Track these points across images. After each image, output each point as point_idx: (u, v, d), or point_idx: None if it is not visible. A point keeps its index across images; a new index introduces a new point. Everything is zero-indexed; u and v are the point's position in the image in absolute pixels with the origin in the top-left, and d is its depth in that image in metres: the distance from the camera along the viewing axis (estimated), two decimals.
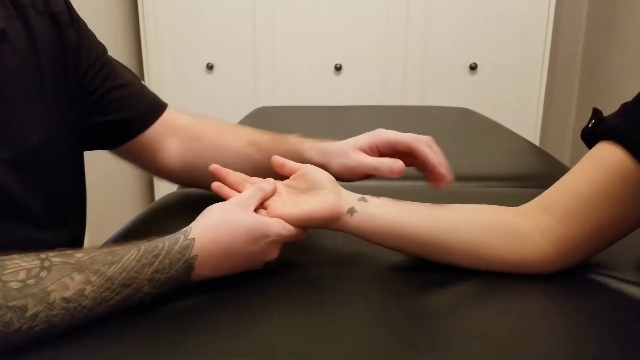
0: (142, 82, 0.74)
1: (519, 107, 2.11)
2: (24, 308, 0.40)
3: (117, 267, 0.44)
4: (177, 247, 0.47)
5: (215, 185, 0.59)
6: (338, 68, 2.10)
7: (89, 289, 0.42)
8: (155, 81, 2.11)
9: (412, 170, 0.98)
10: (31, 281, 0.40)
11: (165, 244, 0.47)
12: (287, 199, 0.55)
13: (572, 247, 0.53)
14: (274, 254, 0.52)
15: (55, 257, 0.43)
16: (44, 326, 0.40)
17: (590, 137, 0.55)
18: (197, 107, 2.11)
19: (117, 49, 2.05)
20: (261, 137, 0.71)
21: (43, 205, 0.59)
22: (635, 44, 2.03)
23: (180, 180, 0.78)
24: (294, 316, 0.47)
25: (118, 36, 2.07)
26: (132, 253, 0.45)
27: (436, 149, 0.63)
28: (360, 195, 0.55)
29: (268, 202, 0.55)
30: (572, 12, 2.40)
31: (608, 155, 0.52)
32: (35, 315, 0.40)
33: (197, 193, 0.82)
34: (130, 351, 0.41)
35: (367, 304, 0.49)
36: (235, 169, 0.67)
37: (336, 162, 0.64)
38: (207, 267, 0.48)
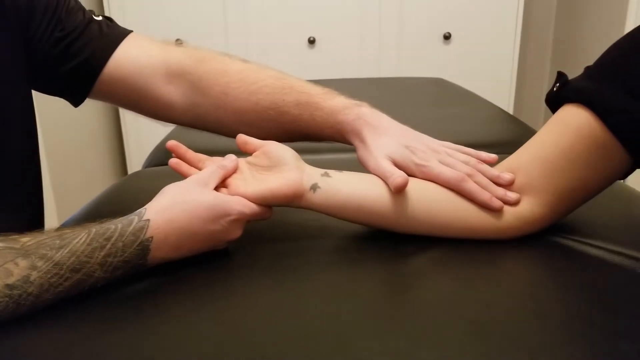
0: (99, 18, 0.67)
1: (493, 75, 2.12)
2: None
3: (66, 251, 0.41)
4: (130, 228, 0.44)
5: (173, 162, 0.57)
6: (312, 41, 2.06)
7: (34, 274, 0.40)
8: None
9: None
10: None
11: (118, 226, 0.44)
12: (249, 176, 0.54)
13: (535, 213, 0.53)
14: (236, 233, 0.50)
15: None
16: None
17: (555, 101, 0.54)
18: None
19: None
20: (287, 98, 0.63)
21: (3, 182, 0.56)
22: (607, 9, 2.03)
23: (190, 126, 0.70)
24: (258, 293, 0.46)
25: None
26: (82, 236, 0.43)
27: (480, 178, 0.54)
28: (323, 171, 0.54)
29: (229, 180, 0.53)
30: None
31: (574, 118, 0.51)
32: None
33: (164, 171, 0.80)
34: (81, 337, 0.40)
35: (332, 276, 0.49)
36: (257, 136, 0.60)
37: (360, 156, 0.59)
38: (164, 249, 0.46)
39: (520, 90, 2.39)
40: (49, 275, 0.40)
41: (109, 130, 2.17)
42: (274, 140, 0.56)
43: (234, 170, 0.53)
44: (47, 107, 1.58)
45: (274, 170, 0.53)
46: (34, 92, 0.65)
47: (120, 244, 0.44)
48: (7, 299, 0.39)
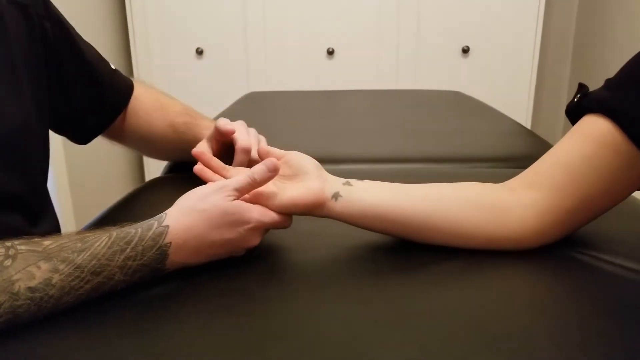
0: (112, 67, 0.76)
1: (511, 89, 2.11)
2: None
3: (87, 254, 0.42)
4: (150, 233, 0.45)
5: (198, 168, 0.58)
6: (330, 52, 2.08)
7: (56, 277, 0.40)
8: (143, 67, 2.09)
9: (403, 153, 0.98)
10: None
11: (138, 230, 0.45)
12: (271, 185, 0.54)
13: (556, 220, 0.52)
14: (254, 241, 0.51)
15: (20, 245, 0.41)
16: (8, 317, 0.39)
17: (575, 112, 0.55)
18: (187, 93, 2.09)
19: (103, 36, 2.02)
20: (179, 119, 0.74)
21: (29, 195, 0.58)
22: (626, 25, 2.02)
23: (126, 145, 0.81)
24: (273, 300, 0.46)
25: (104, 22, 2.04)
26: (102, 240, 0.43)
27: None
28: (345, 180, 0.55)
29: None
30: None
31: (595, 127, 0.51)
32: None
33: (183, 178, 0.82)
34: (96, 340, 0.41)
35: (346, 285, 0.49)
36: (160, 148, 0.75)
37: None
38: (182, 254, 0.47)
39: (538, 104, 2.37)
40: (70, 278, 0.41)
41: None
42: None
43: (265, 182, 0.51)
44: None
45: (295, 179, 0.54)
46: None
47: (140, 248, 0.44)
48: (29, 301, 0.39)
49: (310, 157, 0.56)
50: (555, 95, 2.49)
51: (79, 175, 1.75)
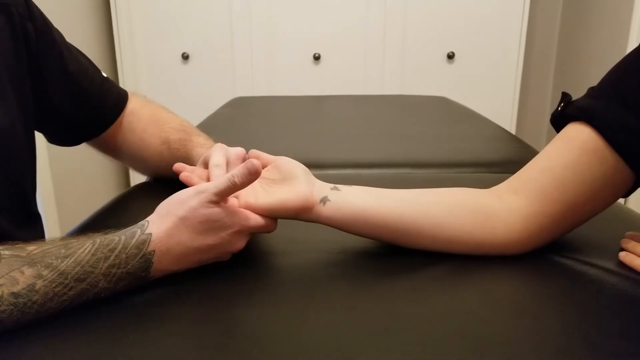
0: (103, 75, 0.75)
1: (496, 95, 2.13)
2: None
3: (71, 261, 0.42)
4: (133, 241, 0.45)
5: (184, 175, 0.57)
6: (317, 58, 2.09)
7: (40, 283, 0.40)
8: (129, 72, 2.08)
9: (389, 158, 0.99)
10: None
11: (122, 238, 0.45)
12: (259, 189, 0.54)
13: (542, 226, 0.53)
14: (239, 245, 0.50)
15: (4, 250, 0.41)
16: None
17: (559, 120, 0.55)
18: (173, 98, 2.08)
19: (87, 40, 2.00)
20: (174, 136, 0.72)
21: (15, 199, 0.57)
22: (609, 31, 2.05)
23: (129, 165, 0.81)
24: (259, 306, 0.46)
25: (88, 26, 2.02)
26: (86, 246, 0.43)
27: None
28: (333, 185, 0.55)
29: (240, 191, 0.54)
30: (548, 2, 2.42)
31: (579, 134, 0.52)
32: None
33: (168, 183, 0.81)
34: (81, 346, 0.40)
35: (333, 290, 0.49)
36: (152, 164, 0.73)
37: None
38: (166, 261, 0.46)
39: (522, 110, 2.40)
40: (54, 285, 0.41)
41: None
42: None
43: (246, 184, 0.49)
44: None
45: (284, 184, 0.54)
46: None
47: (124, 255, 0.44)
48: (12, 307, 0.39)
49: (299, 163, 0.56)
50: (540, 101, 2.53)
51: (64, 180, 1.73)
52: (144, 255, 0.45)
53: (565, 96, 0.56)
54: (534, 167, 0.55)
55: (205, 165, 0.61)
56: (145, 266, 0.45)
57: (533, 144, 1.18)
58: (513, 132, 2.14)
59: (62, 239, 0.44)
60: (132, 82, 2.08)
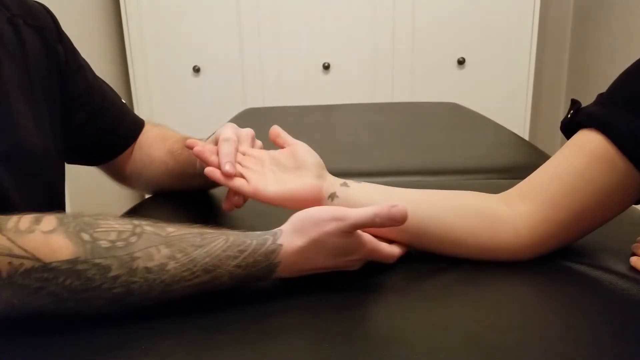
0: (122, 101, 0.77)
1: (508, 100, 2.12)
2: (107, 268, 0.41)
3: (203, 251, 0.44)
4: (263, 249, 0.46)
5: (197, 150, 0.58)
6: (326, 67, 2.09)
7: (171, 264, 0.42)
8: (141, 85, 2.10)
9: (400, 166, 0.98)
10: (120, 243, 0.41)
11: (253, 242, 0.46)
12: (269, 173, 0.54)
13: (551, 232, 0.52)
14: (356, 267, 0.51)
15: (147, 226, 0.44)
16: (121, 289, 0.41)
17: (569, 127, 0.55)
18: (185, 111, 2.10)
19: (100, 54, 2.03)
20: (177, 145, 0.73)
21: (36, 205, 0.59)
22: (622, 33, 2.03)
23: (135, 188, 0.81)
24: (268, 314, 0.46)
25: (101, 40, 2.05)
26: (220, 241, 0.45)
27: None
28: (342, 180, 0.55)
29: (249, 174, 0.54)
30: (559, 6, 2.41)
31: (589, 142, 0.51)
32: (116, 277, 0.41)
33: (181, 195, 0.82)
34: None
35: (339, 298, 0.48)
36: (156, 177, 0.73)
37: None
38: (287, 272, 0.48)
39: (535, 115, 2.38)
40: (183, 269, 0.43)
41: None
42: None
43: (385, 227, 0.49)
44: None
45: (295, 173, 0.54)
46: None
47: (251, 259, 0.45)
48: (142, 280, 0.42)
49: (315, 154, 0.56)
50: (553, 105, 2.50)
51: (78, 191, 1.74)
52: (270, 264, 0.46)
53: (574, 103, 0.55)
54: (542, 174, 0.55)
55: (216, 142, 0.61)
56: (268, 273, 0.47)
57: (547, 149, 1.17)
58: (526, 137, 2.12)
59: (198, 226, 0.46)
60: (145, 95, 2.11)
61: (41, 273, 0.39)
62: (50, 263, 0.40)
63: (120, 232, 0.42)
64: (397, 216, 0.46)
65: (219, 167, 0.56)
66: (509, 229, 0.52)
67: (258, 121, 1.48)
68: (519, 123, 2.12)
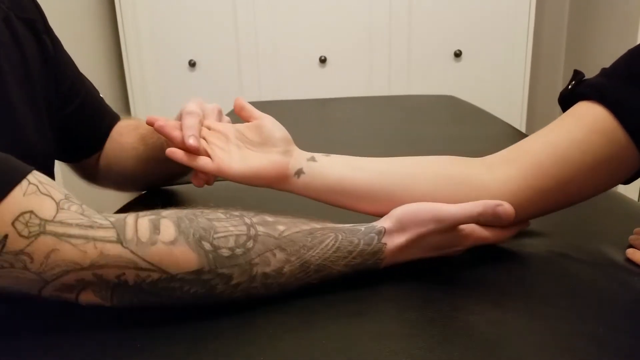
0: (101, 96, 0.75)
1: (505, 92, 2.12)
2: (229, 276, 0.42)
3: (315, 252, 0.45)
4: (369, 249, 0.47)
5: (158, 125, 0.55)
6: (323, 60, 2.09)
7: (287, 267, 0.44)
8: (136, 80, 2.09)
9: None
10: (239, 250, 0.42)
11: (360, 242, 0.47)
12: (234, 149, 0.53)
13: (531, 200, 0.50)
14: (463, 251, 0.52)
15: (259, 226, 0.44)
16: (241, 294, 0.43)
17: (569, 99, 0.53)
18: (180, 105, 2.09)
19: (94, 49, 2.02)
20: (149, 131, 0.70)
21: None
22: (617, 27, 2.03)
23: (106, 184, 0.79)
24: (264, 311, 0.46)
25: (95, 36, 2.04)
26: (329, 241, 0.46)
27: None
28: (310, 155, 0.53)
29: (214, 150, 0.53)
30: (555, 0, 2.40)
31: (589, 113, 0.50)
32: (237, 284, 0.42)
33: (175, 191, 0.81)
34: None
35: (337, 295, 0.48)
36: (127, 167, 0.71)
37: None
38: (391, 263, 0.49)
39: (532, 107, 2.38)
40: (297, 271, 0.44)
41: None
42: None
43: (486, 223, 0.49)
44: None
45: (261, 149, 0.53)
46: None
47: (360, 259, 0.47)
48: (261, 284, 0.43)
49: (282, 127, 0.54)
50: (549, 97, 2.50)
51: (70, 187, 1.74)
52: (376, 261, 0.48)
53: (577, 74, 0.54)
54: (535, 140, 0.52)
55: (180, 117, 0.59)
56: (373, 267, 0.48)
57: None
58: (523, 129, 2.12)
59: (304, 220, 0.47)
60: (140, 90, 2.10)
61: (168, 283, 0.40)
62: (177, 274, 0.40)
63: (237, 236, 0.43)
64: (502, 216, 0.47)
65: (181, 142, 0.54)
66: (486, 194, 0.50)
67: None
68: (515, 115, 2.12)
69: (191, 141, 0.53)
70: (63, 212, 0.39)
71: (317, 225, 0.47)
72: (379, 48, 2.08)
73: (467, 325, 0.43)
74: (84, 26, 1.95)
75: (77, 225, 0.38)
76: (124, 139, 0.72)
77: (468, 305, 0.46)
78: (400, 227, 0.48)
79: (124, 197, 0.83)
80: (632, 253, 0.54)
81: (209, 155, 0.54)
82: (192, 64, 2.09)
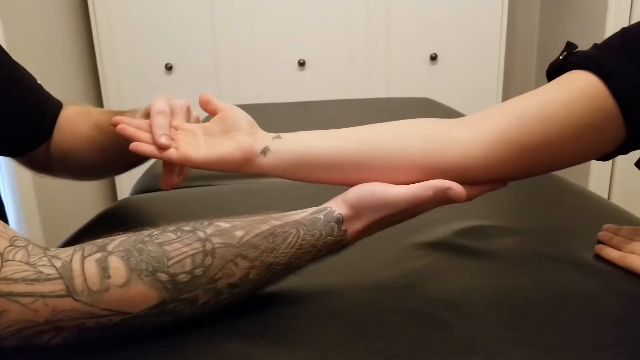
0: (38, 82, 0.71)
1: (479, 95, 2.15)
2: (194, 300, 0.41)
3: (279, 253, 0.44)
4: (332, 239, 0.47)
5: (120, 128, 0.55)
6: (302, 63, 2.09)
7: (252, 273, 0.43)
8: (111, 84, 2.07)
9: None
10: (198, 271, 0.41)
11: (322, 233, 0.46)
12: (202, 141, 0.53)
13: (509, 155, 0.48)
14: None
15: (215, 237, 0.42)
16: (212, 309, 0.42)
17: (558, 70, 0.53)
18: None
19: (68, 52, 1.99)
20: (104, 117, 0.68)
21: None
22: (586, 27, 2.08)
23: (62, 175, 0.76)
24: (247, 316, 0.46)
25: (68, 38, 2.01)
26: (292, 239, 0.45)
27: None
28: (275, 134, 0.53)
29: (180, 143, 0.52)
30: (526, 6, 2.45)
31: (579, 79, 0.49)
32: (205, 303, 0.42)
33: (154, 198, 0.81)
34: None
35: (318, 301, 0.49)
36: (84, 156, 0.68)
37: None
38: (355, 242, 0.49)
39: None
40: (264, 273, 0.44)
41: None
42: None
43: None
44: None
45: (227, 136, 0.52)
46: None
47: (324, 250, 0.47)
48: (229, 295, 0.43)
49: (245, 114, 0.54)
50: None
51: (47, 194, 1.71)
52: (340, 247, 0.48)
53: (570, 45, 0.54)
54: (520, 99, 0.51)
55: (147, 115, 0.58)
56: (338, 251, 0.48)
57: None
58: None
59: (265, 220, 0.45)
60: (116, 94, 2.07)
61: (132, 320, 0.39)
62: (139, 312, 0.39)
63: (193, 256, 0.41)
64: (454, 198, 0.46)
65: (151, 141, 0.53)
66: (458, 148, 0.48)
67: None
68: None
69: (163, 140, 0.52)
70: (8, 265, 0.37)
71: (277, 222, 0.45)
72: (358, 52, 2.10)
73: (443, 324, 0.44)
74: (57, 29, 1.92)
75: (23, 279, 0.36)
76: (78, 127, 0.69)
77: (443, 303, 0.47)
78: (356, 214, 0.47)
79: (99, 198, 0.81)
80: (600, 249, 0.55)
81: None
82: (168, 68, 2.07)
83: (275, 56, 2.08)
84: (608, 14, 1.92)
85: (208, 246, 0.42)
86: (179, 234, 0.42)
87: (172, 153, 0.52)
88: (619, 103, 0.47)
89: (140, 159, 0.68)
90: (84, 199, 2.05)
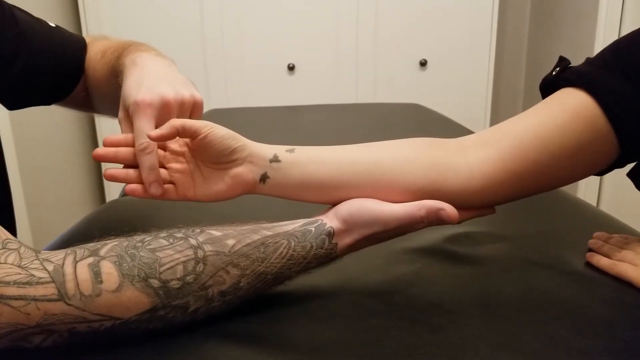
0: (57, 26, 0.72)
1: (468, 101, 2.17)
2: (185, 306, 0.41)
3: (270, 263, 0.45)
4: (322, 251, 0.47)
5: (109, 175, 0.51)
6: (291, 68, 2.09)
7: (243, 281, 0.43)
8: None
9: None
10: (189, 278, 0.41)
11: (313, 245, 0.46)
12: (195, 169, 0.51)
13: (506, 183, 0.50)
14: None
15: (207, 245, 0.43)
16: (203, 316, 0.43)
17: (551, 85, 0.53)
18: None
19: None
20: (113, 55, 0.66)
21: None
22: (576, 35, 2.11)
23: (97, 112, 0.77)
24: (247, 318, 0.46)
25: None
26: (282, 250, 0.45)
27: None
28: (273, 154, 0.51)
29: (178, 178, 0.51)
30: (516, 12, 2.48)
31: (573, 98, 0.50)
32: (196, 310, 0.42)
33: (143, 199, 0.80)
34: None
35: (310, 304, 0.49)
36: (113, 95, 0.62)
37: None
38: (342, 257, 0.49)
39: (495, 115, 2.45)
40: (255, 282, 0.44)
41: (87, 157, 2.16)
42: None
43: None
44: (21, 132, 1.56)
45: (219, 166, 0.51)
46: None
47: (315, 262, 0.47)
48: (220, 302, 0.43)
49: (231, 134, 0.50)
50: (511, 106, 2.58)
51: (37, 195, 1.69)
52: (329, 260, 0.48)
53: (562, 60, 0.54)
54: (516, 123, 0.51)
55: (129, 122, 0.53)
56: (327, 263, 0.48)
57: None
58: None
59: (256, 230, 0.45)
60: None
61: (124, 326, 0.40)
62: (131, 318, 0.39)
63: (184, 263, 0.41)
64: (446, 220, 0.47)
65: (141, 182, 0.50)
66: (458, 179, 0.49)
67: (223, 122, 1.46)
68: (478, 123, 2.18)
69: (153, 190, 0.50)
70: (0, 267, 0.37)
71: (268, 233, 0.46)
72: (347, 57, 2.10)
73: (432, 329, 0.44)
74: None
75: (15, 282, 0.37)
76: (97, 72, 0.69)
77: (432, 308, 0.47)
78: (347, 228, 0.48)
79: (88, 200, 0.80)
80: (590, 256, 0.56)
81: (172, 183, 0.52)
82: None
83: (264, 60, 2.08)
84: (598, 19, 1.95)
85: (200, 253, 0.42)
86: (171, 240, 0.42)
87: (171, 194, 0.51)
88: (612, 121, 0.48)
89: None
90: (72, 200, 2.03)
